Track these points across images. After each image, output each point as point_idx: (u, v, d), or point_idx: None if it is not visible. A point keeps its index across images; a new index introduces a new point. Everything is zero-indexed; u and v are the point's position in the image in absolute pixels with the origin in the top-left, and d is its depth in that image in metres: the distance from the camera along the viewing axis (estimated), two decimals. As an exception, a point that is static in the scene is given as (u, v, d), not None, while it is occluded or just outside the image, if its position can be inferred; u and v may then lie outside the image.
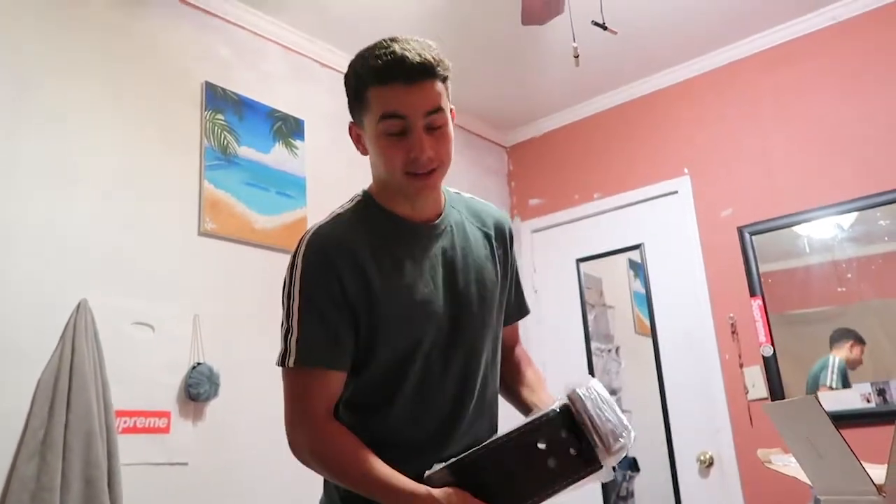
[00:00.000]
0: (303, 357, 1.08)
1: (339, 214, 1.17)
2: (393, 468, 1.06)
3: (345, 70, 1.14)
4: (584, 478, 1.02)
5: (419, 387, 1.13)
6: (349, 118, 1.19)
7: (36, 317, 1.94)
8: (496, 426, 1.23)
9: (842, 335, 2.78)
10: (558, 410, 1.04)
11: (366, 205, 1.19)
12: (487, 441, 1.05)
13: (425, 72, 1.06)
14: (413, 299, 1.12)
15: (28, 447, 1.80)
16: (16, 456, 1.80)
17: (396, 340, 1.11)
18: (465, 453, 1.04)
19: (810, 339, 2.83)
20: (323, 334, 1.08)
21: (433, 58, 1.07)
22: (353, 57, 1.15)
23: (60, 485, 1.78)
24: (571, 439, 1.02)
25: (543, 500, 1.02)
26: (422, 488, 1.02)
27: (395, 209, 1.17)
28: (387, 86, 1.06)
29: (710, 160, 3.24)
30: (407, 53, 1.05)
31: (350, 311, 1.09)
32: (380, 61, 1.06)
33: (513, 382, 1.31)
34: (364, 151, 1.18)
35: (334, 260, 1.09)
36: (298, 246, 1.13)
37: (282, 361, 1.10)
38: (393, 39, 1.09)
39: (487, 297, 1.21)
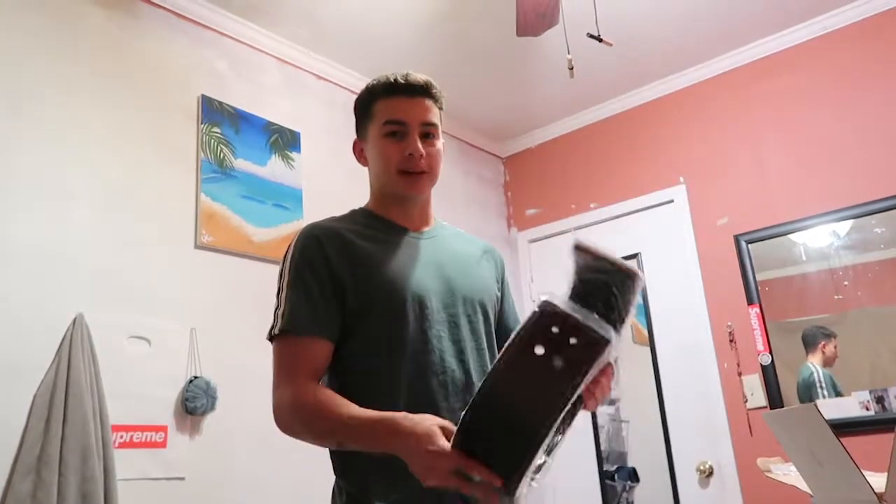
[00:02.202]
0: (287, 324, 1.16)
1: (332, 217, 1.32)
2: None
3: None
4: (598, 358, 0.88)
5: (401, 365, 1.15)
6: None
7: (32, 332, 1.93)
8: None
9: (814, 337, 2.80)
10: (538, 309, 0.90)
11: (360, 213, 1.34)
12: (480, 384, 0.94)
13: (424, 90, 1.29)
14: (399, 273, 1.21)
15: (24, 463, 1.79)
16: (11, 472, 1.79)
17: (380, 310, 1.17)
18: (465, 411, 0.92)
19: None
20: (308, 305, 1.16)
21: (433, 83, 1.30)
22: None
23: (56, 501, 1.76)
24: (566, 331, 0.88)
25: (569, 400, 0.88)
26: (393, 416, 0.99)
27: (387, 215, 1.31)
28: (392, 98, 1.28)
29: (705, 169, 3.25)
30: (411, 74, 1.29)
31: (336, 284, 1.18)
32: (389, 79, 1.29)
33: None
34: (365, 163, 1.35)
35: (322, 241, 1.21)
36: (293, 239, 1.26)
37: (269, 333, 1.19)
38: (393, 73, 1.31)
39: (479, 290, 1.28)
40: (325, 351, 1.16)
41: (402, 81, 1.28)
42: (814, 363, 2.80)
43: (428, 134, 1.28)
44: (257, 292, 2.47)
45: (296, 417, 1.11)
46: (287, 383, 1.13)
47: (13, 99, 2.07)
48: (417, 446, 0.93)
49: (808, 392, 2.80)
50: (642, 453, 3.30)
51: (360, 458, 1.11)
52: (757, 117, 3.13)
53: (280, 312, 1.18)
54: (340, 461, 1.18)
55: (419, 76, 1.29)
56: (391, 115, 1.27)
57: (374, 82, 1.31)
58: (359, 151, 1.36)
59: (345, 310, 1.18)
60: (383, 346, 1.16)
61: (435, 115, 1.29)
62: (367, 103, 1.31)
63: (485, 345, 1.27)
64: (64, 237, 2.08)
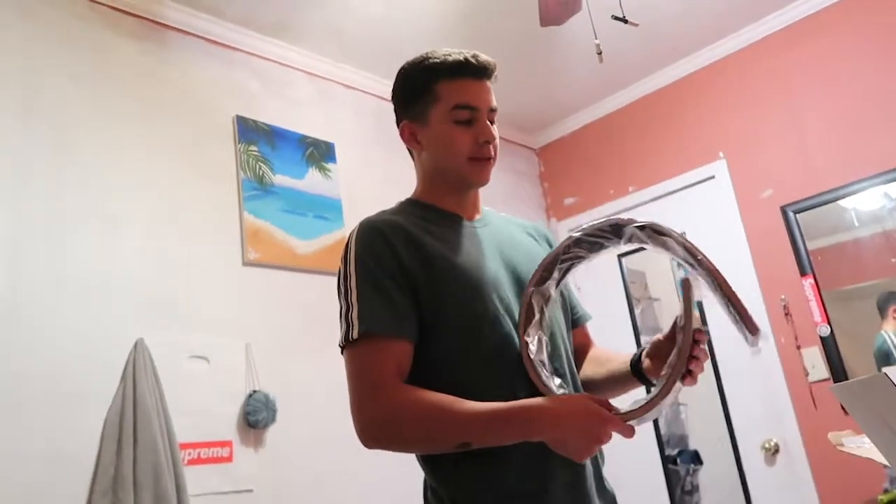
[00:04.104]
0: (365, 327, 1.04)
1: (383, 210, 1.22)
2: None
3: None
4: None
5: (493, 360, 1.09)
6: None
7: (96, 360, 2.00)
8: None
9: (886, 302, 2.71)
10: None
11: (410, 203, 1.25)
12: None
13: (490, 72, 1.20)
14: (471, 265, 1.13)
15: (100, 485, 1.86)
16: (90, 494, 1.86)
17: (461, 306, 1.09)
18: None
19: (868, 314, 2.75)
20: (384, 303, 1.06)
21: (495, 63, 1.21)
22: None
23: (134, 520, 1.83)
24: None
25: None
26: (533, 401, 1.00)
27: (440, 204, 1.22)
28: (459, 79, 1.17)
29: (745, 141, 3.18)
30: (480, 54, 1.19)
31: (408, 279, 1.09)
32: (458, 58, 1.17)
33: (598, 370, 1.27)
34: (418, 147, 1.23)
35: (387, 234, 1.12)
36: (350, 235, 1.16)
37: (344, 339, 1.07)
38: (447, 49, 1.20)
39: None
40: (408, 353, 1.06)
41: (475, 62, 1.17)
42: (887, 330, 2.71)
43: (493, 120, 1.20)
44: (306, 304, 2.52)
45: (398, 427, 1.02)
46: (377, 393, 1.02)
47: (59, 138, 2.14)
48: (587, 422, 0.96)
49: (885, 360, 2.70)
50: (704, 435, 3.25)
51: (463, 465, 1.05)
52: (794, 83, 3.05)
53: (353, 315, 1.06)
54: (439, 469, 1.09)
55: (487, 57, 1.19)
56: (462, 99, 1.16)
57: (437, 60, 1.17)
58: (409, 135, 1.22)
59: (420, 308, 1.08)
60: (464, 346, 1.08)
61: (495, 99, 1.21)
62: (428, 82, 1.18)
63: (569, 323, 1.23)
64: (117, 265, 2.15)
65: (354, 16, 2.74)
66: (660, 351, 1.13)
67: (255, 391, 2.27)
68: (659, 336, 1.15)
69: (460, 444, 1.00)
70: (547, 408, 0.98)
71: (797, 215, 2.96)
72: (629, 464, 3.20)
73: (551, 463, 1.04)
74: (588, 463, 1.09)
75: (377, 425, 1.03)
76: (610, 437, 0.97)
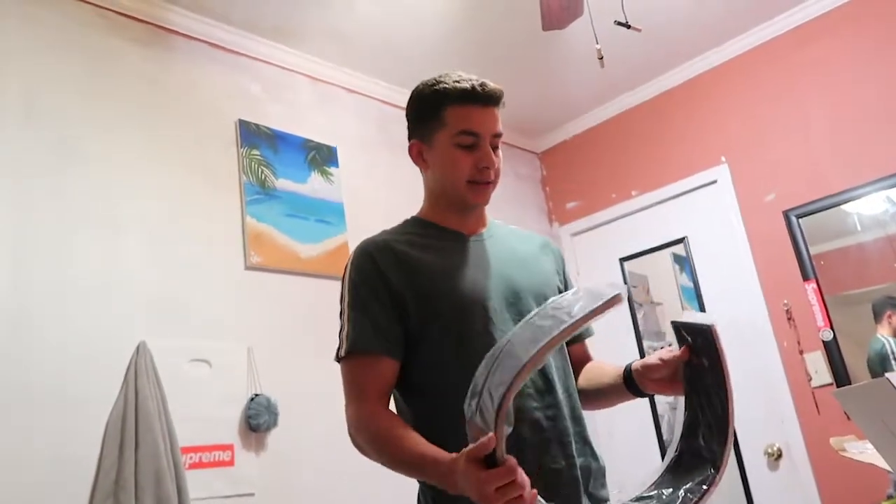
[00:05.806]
0: (351, 345, 1.17)
1: (385, 230, 1.31)
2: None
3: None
4: None
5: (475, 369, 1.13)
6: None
7: (98, 363, 2.00)
8: (580, 416, 1.22)
9: (882, 306, 2.70)
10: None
11: (412, 222, 1.32)
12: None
13: (497, 100, 1.24)
14: (459, 279, 1.20)
15: (102, 489, 1.86)
16: (91, 498, 1.86)
17: (446, 318, 1.16)
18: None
19: (871, 319, 2.74)
20: (369, 324, 1.17)
21: (502, 91, 1.25)
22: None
23: (135, 524, 1.83)
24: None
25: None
26: (441, 459, 1.00)
27: (441, 222, 1.28)
28: (466, 105, 1.21)
29: (747, 146, 3.18)
30: (487, 83, 1.23)
31: (394, 298, 1.18)
32: (465, 86, 1.22)
33: (589, 383, 1.30)
34: (424, 166, 1.30)
35: (377, 257, 1.21)
36: (348, 258, 1.26)
37: (336, 355, 1.21)
38: (459, 74, 1.25)
39: (541, 285, 1.26)
40: (390, 369, 1.17)
41: (481, 91, 1.21)
42: (884, 335, 2.71)
43: (496, 145, 1.25)
44: (308, 308, 2.52)
45: (362, 440, 1.14)
46: (355, 405, 1.16)
47: (62, 141, 2.15)
48: (469, 484, 0.91)
49: (881, 365, 2.70)
50: (706, 440, 3.23)
51: None
52: (798, 86, 3.04)
53: (344, 334, 1.19)
54: None
55: (495, 85, 1.24)
56: (467, 125, 1.21)
57: (447, 85, 1.22)
58: (417, 153, 1.29)
59: (408, 324, 1.17)
60: (452, 357, 1.15)
61: (501, 125, 1.26)
62: (437, 107, 1.23)
63: (565, 355, 1.25)
64: (119, 269, 2.15)
65: (357, 20, 2.74)
66: (655, 374, 1.16)
67: (256, 395, 2.27)
68: (659, 357, 1.17)
69: (402, 473, 1.11)
70: (445, 471, 0.98)
71: (800, 220, 2.95)
72: (631, 468, 3.19)
73: (526, 452, 1.08)
74: (574, 460, 1.14)
75: (349, 433, 1.16)
76: (498, 490, 0.87)
